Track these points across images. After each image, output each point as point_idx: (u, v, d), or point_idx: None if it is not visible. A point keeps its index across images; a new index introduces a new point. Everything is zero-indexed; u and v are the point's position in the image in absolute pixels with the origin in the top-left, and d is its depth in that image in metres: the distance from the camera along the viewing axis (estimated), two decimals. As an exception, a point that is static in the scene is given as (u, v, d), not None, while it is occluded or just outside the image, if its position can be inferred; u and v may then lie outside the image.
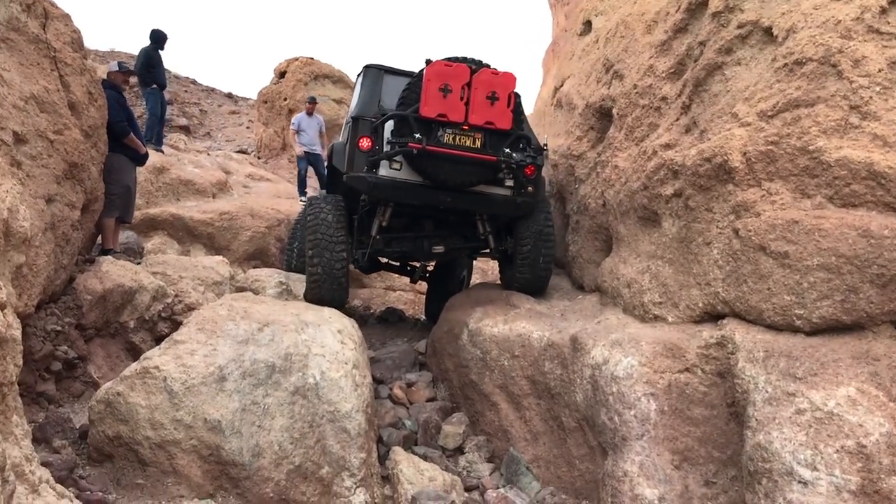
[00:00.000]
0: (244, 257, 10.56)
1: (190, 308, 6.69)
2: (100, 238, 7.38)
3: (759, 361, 4.17)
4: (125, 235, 8.69)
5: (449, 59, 6.16)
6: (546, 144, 6.97)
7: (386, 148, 6.22)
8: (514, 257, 7.02)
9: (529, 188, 6.63)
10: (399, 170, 6.29)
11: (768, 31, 4.87)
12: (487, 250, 7.55)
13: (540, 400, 5.68)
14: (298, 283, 9.12)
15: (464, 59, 6.21)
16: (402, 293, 11.24)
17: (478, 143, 6.17)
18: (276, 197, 12.09)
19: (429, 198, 6.40)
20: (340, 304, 6.52)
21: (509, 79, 6.14)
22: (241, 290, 8.25)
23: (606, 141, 6.96)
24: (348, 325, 5.93)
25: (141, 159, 7.75)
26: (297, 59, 20.07)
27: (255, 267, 10.56)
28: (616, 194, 6.28)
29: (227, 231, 10.51)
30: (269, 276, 8.64)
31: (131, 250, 8.44)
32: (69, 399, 5.45)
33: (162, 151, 11.26)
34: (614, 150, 6.65)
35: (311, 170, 12.67)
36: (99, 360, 6.00)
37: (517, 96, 6.30)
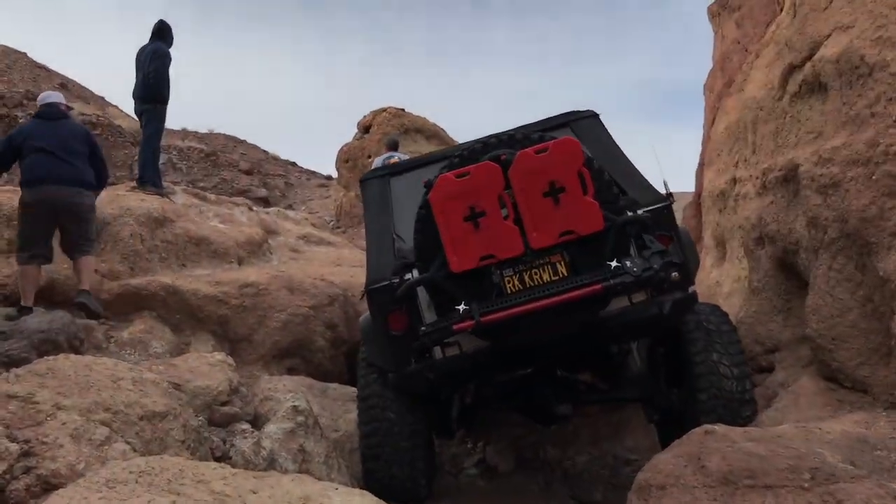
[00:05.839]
0: (274, 354, 6.79)
1: (49, 484, 2.89)
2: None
3: None
4: (48, 319, 5.12)
5: (460, 158, 3.96)
6: (669, 192, 4.36)
7: (423, 326, 3.92)
8: (688, 379, 4.45)
9: (674, 275, 3.80)
10: (459, 350, 4.06)
11: None
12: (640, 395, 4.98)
13: None
14: (336, 404, 5.28)
15: (483, 146, 3.97)
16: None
17: (563, 270, 3.81)
18: (335, 265, 8.39)
19: (519, 362, 4.34)
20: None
21: (567, 148, 3.75)
22: (227, 420, 4.47)
23: None
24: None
25: None
26: (384, 111, 16.87)
27: (291, 370, 6.81)
28: None
29: (248, 313, 6.80)
30: (287, 395, 4.84)
31: (49, 342, 4.85)
32: None
33: (164, 195, 7.79)
34: None
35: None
36: None
37: (592, 160, 3.85)
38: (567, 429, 7.13)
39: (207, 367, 5.32)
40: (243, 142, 30.30)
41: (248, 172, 24.59)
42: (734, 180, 6.84)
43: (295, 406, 4.35)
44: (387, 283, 4.12)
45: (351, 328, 7.34)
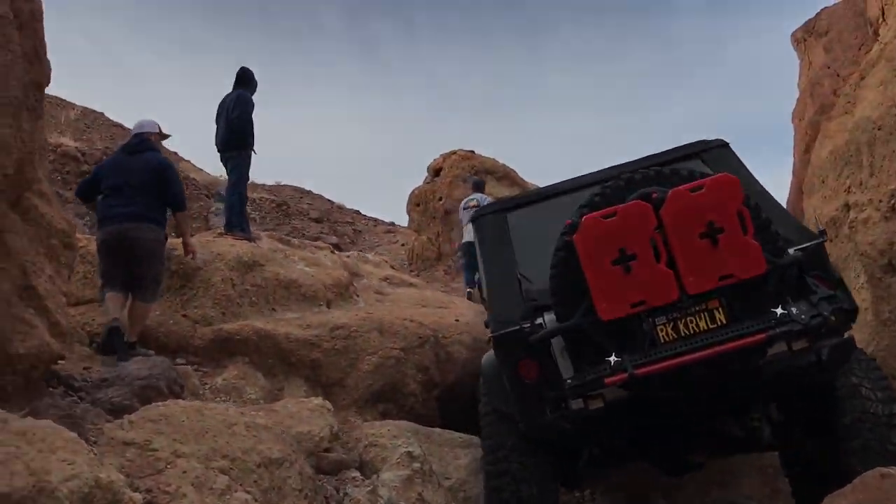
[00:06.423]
0: (366, 398, 6.59)
1: (174, 538, 2.72)
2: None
3: None
4: (148, 365, 5.03)
5: (602, 197, 3.63)
6: (823, 228, 4.16)
7: (568, 379, 3.63)
8: (829, 410, 4.06)
9: (832, 318, 3.48)
10: (603, 402, 3.66)
11: None
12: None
13: None
14: (444, 449, 5.03)
15: (629, 181, 3.63)
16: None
17: (721, 317, 3.47)
18: (421, 306, 8.21)
19: (663, 413, 3.89)
20: None
21: (726, 185, 3.45)
22: (336, 467, 4.25)
23: None
24: None
25: None
26: (454, 154, 16.86)
27: (383, 414, 6.59)
28: None
29: (340, 356, 6.64)
30: (394, 440, 4.62)
31: (151, 388, 4.74)
32: None
33: (251, 240, 7.75)
34: None
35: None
36: None
37: (749, 197, 3.53)
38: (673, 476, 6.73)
39: (307, 412, 5.18)
40: (309, 192, 30.76)
41: (317, 221, 24.86)
42: (847, 206, 6.44)
43: (409, 452, 4.13)
44: (517, 328, 3.86)
45: (443, 371, 7.12)
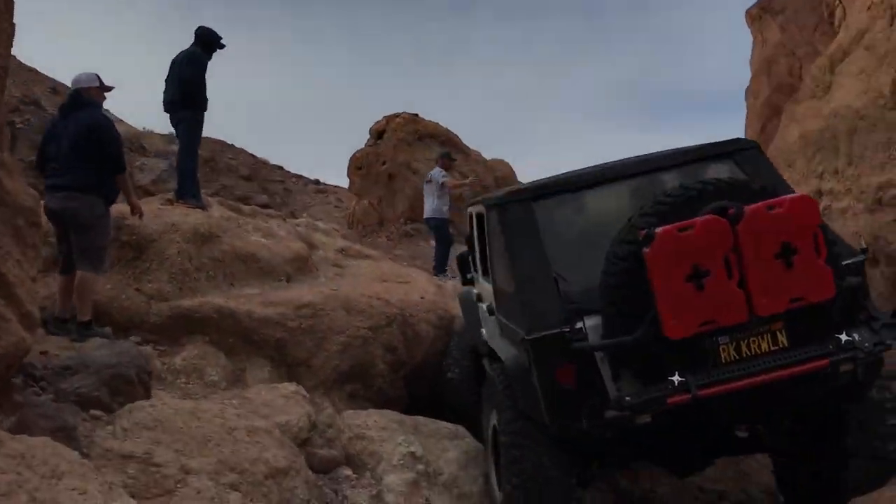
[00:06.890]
0: (334, 380, 6.33)
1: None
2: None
3: None
4: (115, 351, 4.66)
5: (667, 203, 3.45)
6: (864, 247, 4.08)
7: (612, 391, 3.57)
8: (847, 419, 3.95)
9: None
10: (650, 417, 3.46)
11: None
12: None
13: None
14: (431, 441, 4.83)
15: (701, 191, 3.46)
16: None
17: (782, 340, 3.43)
18: (382, 280, 7.95)
19: (703, 426, 3.83)
20: None
21: (805, 206, 3.36)
22: (327, 465, 4.03)
23: None
24: None
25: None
26: (398, 116, 16.46)
27: (350, 395, 6.37)
28: None
29: (307, 335, 6.35)
30: (381, 433, 4.40)
31: (120, 377, 4.38)
32: None
33: (204, 208, 7.31)
34: None
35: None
36: None
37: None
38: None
39: (282, 399, 4.94)
40: (231, 146, 29.72)
41: (247, 179, 24.05)
42: (819, 192, 6.51)
43: (412, 452, 3.94)
44: (557, 331, 3.65)
45: (410, 350, 6.92)
